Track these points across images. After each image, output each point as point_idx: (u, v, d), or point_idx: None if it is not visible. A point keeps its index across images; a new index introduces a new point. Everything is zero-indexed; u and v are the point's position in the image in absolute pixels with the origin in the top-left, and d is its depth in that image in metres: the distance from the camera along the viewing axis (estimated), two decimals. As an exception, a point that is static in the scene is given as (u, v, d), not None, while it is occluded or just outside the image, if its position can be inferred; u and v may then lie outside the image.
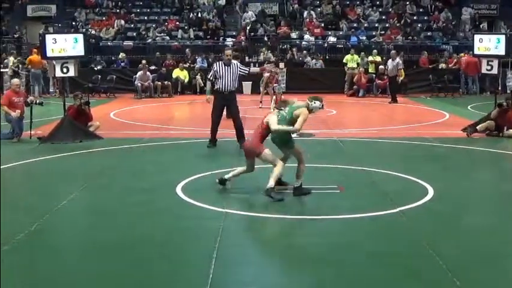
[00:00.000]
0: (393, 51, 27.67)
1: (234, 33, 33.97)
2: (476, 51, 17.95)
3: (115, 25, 33.77)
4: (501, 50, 16.99)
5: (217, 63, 14.82)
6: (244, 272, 6.89)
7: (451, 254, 7.31)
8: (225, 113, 14.81)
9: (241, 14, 35.18)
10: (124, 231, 8.29)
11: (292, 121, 9.89)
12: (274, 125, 9.78)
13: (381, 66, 28.57)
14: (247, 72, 15.19)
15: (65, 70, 15.58)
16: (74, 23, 33.96)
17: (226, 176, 10.33)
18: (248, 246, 7.75)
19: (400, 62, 26.89)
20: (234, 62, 14.73)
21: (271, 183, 9.60)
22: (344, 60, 29.58)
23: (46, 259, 7.15)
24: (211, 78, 14.57)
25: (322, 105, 10.12)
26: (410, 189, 10.48)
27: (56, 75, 16.46)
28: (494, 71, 17.54)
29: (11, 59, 28.78)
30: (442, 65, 30.01)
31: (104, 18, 34.91)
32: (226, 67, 14.34)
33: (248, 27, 33.27)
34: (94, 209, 9.49)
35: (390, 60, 26.63)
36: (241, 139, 13.87)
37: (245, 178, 11.44)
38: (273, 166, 9.80)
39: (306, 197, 9.91)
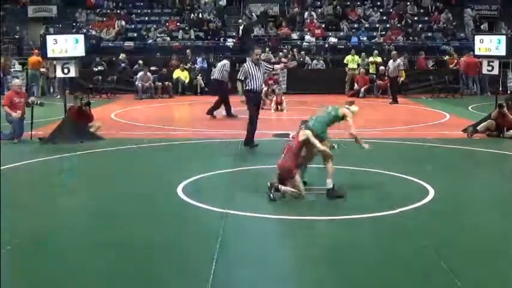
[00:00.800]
0: (394, 52, 27.66)
1: (235, 34, 33.97)
2: (477, 52, 17.97)
3: (116, 26, 33.78)
4: (502, 51, 17.01)
5: (247, 63, 14.71)
6: (245, 272, 6.89)
7: (451, 254, 7.32)
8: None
9: (247, 15, 35.20)
10: (125, 232, 8.29)
11: (337, 118, 10.08)
12: (318, 144, 9.76)
13: (382, 67, 28.62)
14: (272, 69, 15.27)
15: (65, 71, 15.58)
16: (74, 24, 33.97)
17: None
18: (249, 246, 7.74)
19: (401, 62, 26.85)
20: (261, 61, 14.78)
21: (330, 182, 9.68)
22: (345, 61, 29.61)
23: (46, 260, 7.16)
24: (241, 78, 14.41)
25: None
26: (411, 190, 10.48)
27: (57, 76, 16.47)
28: (495, 71, 17.56)
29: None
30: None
31: (104, 19, 34.94)
32: (256, 66, 14.34)
33: (241, 27, 33.29)
34: (95, 210, 9.48)
35: (391, 61, 26.57)
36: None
37: (246, 178, 11.48)
38: (297, 190, 9.71)
39: (308, 197, 9.91)
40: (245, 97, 14.50)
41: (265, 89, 23.38)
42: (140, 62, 29.47)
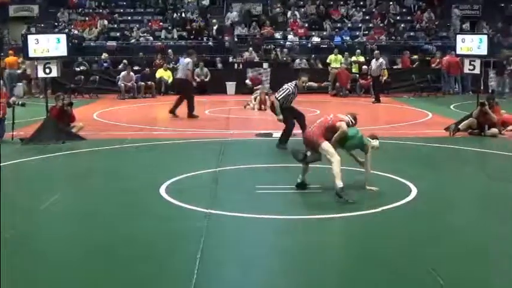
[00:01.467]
0: (377, 51, 27.61)
1: (216, 34, 33.93)
2: (458, 51, 18.04)
3: (98, 25, 33.62)
4: (483, 50, 17.09)
5: (293, 87, 14.46)
6: (228, 272, 6.89)
7: (434, 253, 7.35)
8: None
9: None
10: (108, 232, 8.27)
11: (358, 146, 10.32)
12: (334, 141, 9.89)
13: (364, 66, 28.71)
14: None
15: (47, 71, 15.49)
16: (56, 24, 33.79)
17: (300, 180, 10.27)
18: (232, 246, 7.74)
19: (384, 62, 26.83)
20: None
21: (339, 183, 9.56)
22: (328, 60, 29.67)
23: (30, 260, 7.12)
24: (280, 99, 14.37)
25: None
26: (394, 188, 10.51)
27: (39, 76, 16.38)
28: (477, 70, 17.65)
29: None
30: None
31: (87, 18, 34.72)
32: (297, 91, 14.48)
33: (215, 27, 33.28)
34: (78, 210, 9.45)
35: (374, 60, 26.56)
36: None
37: (229, 178, 11.48)
38: (331, 163, 9.68)
39: (290, 196, 9.95)
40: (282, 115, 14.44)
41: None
42: (125, 61, 29.37)
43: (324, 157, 9.96)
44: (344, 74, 28.76)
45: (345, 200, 9.42)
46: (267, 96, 23.05)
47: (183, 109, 20.23)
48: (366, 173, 10.31)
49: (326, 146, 9.75)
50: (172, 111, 20.49)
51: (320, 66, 30.70)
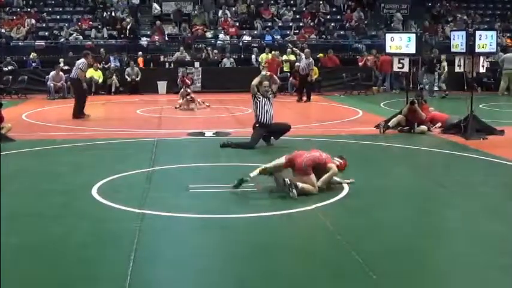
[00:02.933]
0: (307, 50, 27.47)
1: (149, 33, 33.75)
2: (388, 50, 18.27)
3: (26, 24, 33.05)
4: (412, 49, 17.36)
5: (261, 98, 14.48)
6: (162, 272, 6.84)
7: (365, 248, 7.44)
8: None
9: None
10: (39, 234, 8.12)
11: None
12: (322, 183, 10.05)
13: (297, 64, 28.90)
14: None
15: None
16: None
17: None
18: (166, 246, 7.69)
19: (313, 61, 26.78)
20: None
21: (300, 185, 9.75)
22: (259, 59, 29.75)
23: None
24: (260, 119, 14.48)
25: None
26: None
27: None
28: (405, 68, 17.93)
29: None
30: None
31: (14, 17, 34.12)
32: (265, 99, 14.44)
33: (128, 26, 33.14)
34: (7, 213, 9.24)
35: (303, 59, 26.54)
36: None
37: (161, 178, 11.42)
38: (311, 188, 9.89)
39: (222, 195, 9.97)
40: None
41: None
42: (61, 60, 28.85)
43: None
44: (274, 62, 28.77)
45: (290, 194, 9.62)
46: (193, 95, 23.06)
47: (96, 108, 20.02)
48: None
49: (313, 178, 9.96)
50: (77, 115, 20.35)
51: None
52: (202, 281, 6.65)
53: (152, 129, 17.52)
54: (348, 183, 10.54)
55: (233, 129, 16.89)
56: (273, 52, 29.47)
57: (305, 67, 26.15)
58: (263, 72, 15.04)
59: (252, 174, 10.00)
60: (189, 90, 23.20)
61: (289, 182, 9.72)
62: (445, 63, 27.60)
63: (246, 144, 14.05)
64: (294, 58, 29.93)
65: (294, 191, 9.62)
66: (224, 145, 14.01)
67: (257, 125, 14.36)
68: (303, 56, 26.56)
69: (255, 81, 14.50)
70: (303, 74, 26.33)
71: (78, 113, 20.27)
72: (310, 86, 26.62)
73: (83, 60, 20.97)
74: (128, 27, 32.91)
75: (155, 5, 35.26)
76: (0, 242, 7.12)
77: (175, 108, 22.58)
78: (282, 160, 10.26)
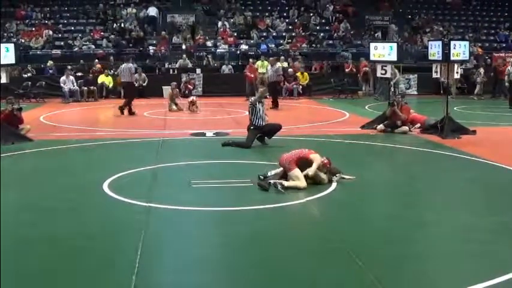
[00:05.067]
0: (272, 58, 25.91)
1: (155, 42, 33.72)
2: (372, 58, 18.33)
3: (44, 35, 33.04)
4: (393, 57, 17.42)
5: (257, 103, 14.54)
6: (167, 260, 6.84)
7: (352, 238, 7.46)
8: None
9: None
10: (54, 227, 8.09)
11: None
12: (312, 170, 10.03)
13: (290, 70, 28.90)
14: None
15: (-3, 77, 15.20)
16: (5, 34, 33.03)
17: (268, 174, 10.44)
18: (170, 236, 7.69)
19: (280, 67, 25.39)
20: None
21: (286, 183, 9.82)
22: (255, 66, 29.71)
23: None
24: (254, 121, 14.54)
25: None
26: (316, 181, 10.61)
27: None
28: (388, 74, 17.99)
29: None
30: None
31: (33, 29, 34.10)
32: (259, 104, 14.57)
33: (134, 34, 33.10)
34: (25, 207, 9.23)
35: (269, 66, 24.68)
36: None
37: (167, 174, 11.41)
38: (297, 182, 9.90)
39: (222, 190, 10.00)
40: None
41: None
42: (69, 67, 28.79)
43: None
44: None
45: (279, 190, 9.62)
46: (194, 98, 23.07)
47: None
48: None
49: (296, 172, 9.98)
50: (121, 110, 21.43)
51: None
52: (204, 268, 6.64)
53: (158, 130, 17.48)
54: (349, 178, 10.56)
55: (232, 130, 16.88)
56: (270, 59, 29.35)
57: (272, 75, 24.30)
58: (261, 89, 15.26)
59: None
60: (193, 98, 23.18)
61: (272, 182, 9.87)
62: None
63: (243, 144, 14.07)
64: (287, 65, 29.92)
65: (279, 186, 9.68)
66: (225, 144, 14.05)
67: (251, 128, 14.38)
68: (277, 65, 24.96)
69: (256, 97, 14.77)
70: (271, 81, 24.20)
71: (129, 111, 21.45)
72: (276, 92, 24.52)
73: (130, 64, 21.20)
74: (136, 37, 32.93)
75: (160, 17, 35.21)
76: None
77: (169, 110, 22.59)
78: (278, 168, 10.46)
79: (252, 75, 27.27)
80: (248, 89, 26.81)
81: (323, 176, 10.27)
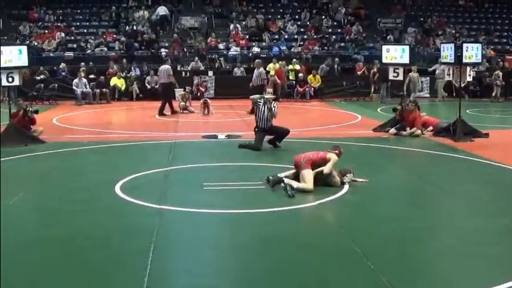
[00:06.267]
0: (257, 60, 25.16)
1: (167, 44, 33.77)
2: (384, 60, 18.30)
3: (56, 37, 33.15)
4: (406, 59, 17.39)
5: (262, 104, 14.55)
6: (179, 261, 6.86)
7: (364, 240, 7.44)
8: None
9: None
10: (66, 227, 8.13)
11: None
12: (327, 168, 10.07)
13: (301, 74, 28.86)
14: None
15: (10, 79, 15.26)
16: (18, 36, 33.18)
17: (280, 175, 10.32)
18: (182, 238, 7.71)
19: (264, 71, 24.31)
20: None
21: (295, 184, 9.81)
22: (267, 68, 29.71)
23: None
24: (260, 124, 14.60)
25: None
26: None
27: (2, 84, 16.05)
28: (400, 77, 17.97)
29: None
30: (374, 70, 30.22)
31: (46, 31, 34.22)
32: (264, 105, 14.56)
33: (146, 36, 33.21)
34: (38, 208, 9.27)
35: (255, 70, 23.81)
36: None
37: (178, 176, 11.43)
38: (304, 184, 9.89)
39: (234, 192, 10.00)
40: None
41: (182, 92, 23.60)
42: (82, 69, 28.87)
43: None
44: (280, 71, 28.52)
45: (288, 194, 9.54)
46: (209, 100, 23.10)
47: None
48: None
49: (308, 173, 9.99)
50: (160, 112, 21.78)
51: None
52: (216, 270, 6.65)
53: (170, 132, 17.53)
54: (361, 181, 10.54)
55: (243, 132, 16.87)
56: (280, 62, 29.41)
57: (256, 79, 23.37)
58: (267, 96, 14.87)
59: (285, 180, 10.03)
60: (205, 100, 23.20)
61: (286, 181, 9.85)
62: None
63: (252, 146, 14.10)
64: (299, 67, 29.92)
65: (289, 190, 9.63)
66: (241, 146, 14.22)
67: (256, 129, 14.44)
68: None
69: (258, 96, 15.00)
70: (255, 85, 22.86)
71: (159, 112, 21.73)
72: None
73: (168, 66, 21.37)
74: (148, 39, 33.03)
75: (172, 19, 35.29)
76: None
77: (179, 108, 22.69)
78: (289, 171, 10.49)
79: (279, 81, 27.13)
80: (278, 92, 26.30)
81: (336, 178, 10.26)
